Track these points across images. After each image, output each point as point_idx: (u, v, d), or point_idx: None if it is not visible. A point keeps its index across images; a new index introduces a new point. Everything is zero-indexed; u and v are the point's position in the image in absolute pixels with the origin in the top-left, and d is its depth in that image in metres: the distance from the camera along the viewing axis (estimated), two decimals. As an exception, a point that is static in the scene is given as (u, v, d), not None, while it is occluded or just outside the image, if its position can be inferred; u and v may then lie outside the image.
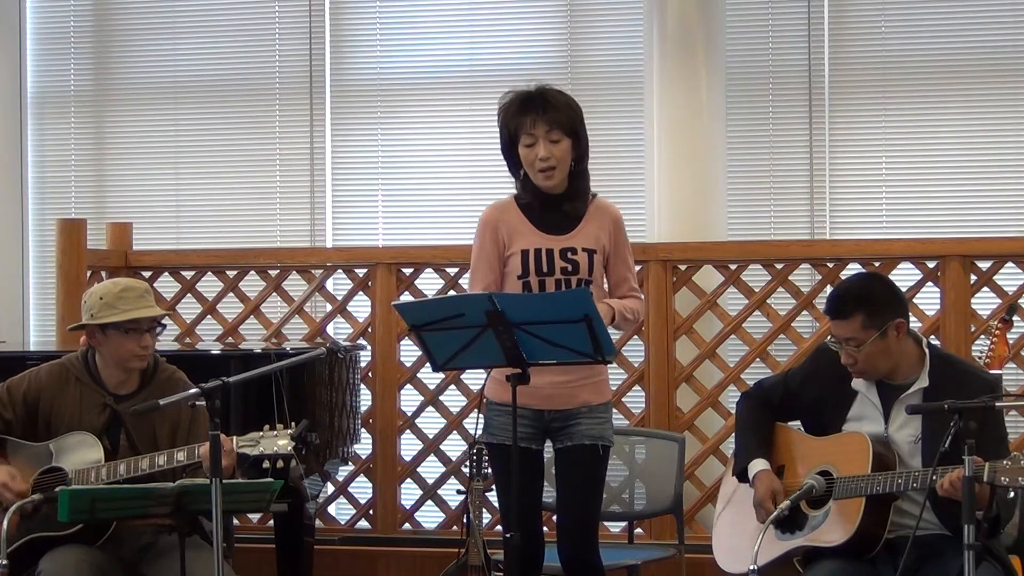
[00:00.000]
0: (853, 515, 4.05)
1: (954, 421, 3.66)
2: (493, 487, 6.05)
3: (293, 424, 4.21)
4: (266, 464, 4.17)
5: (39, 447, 4.47)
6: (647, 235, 6.79)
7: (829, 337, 4.19)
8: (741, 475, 4.34)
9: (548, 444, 4.51)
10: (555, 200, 4.42)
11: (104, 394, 4.50)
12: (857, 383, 4.20)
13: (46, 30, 7.87)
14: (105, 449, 4.41)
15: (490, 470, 4.80)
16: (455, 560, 5.43)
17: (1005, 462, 3.69)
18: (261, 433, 4.20)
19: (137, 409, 4.14)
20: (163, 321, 4.58)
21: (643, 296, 4.54)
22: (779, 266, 6.30)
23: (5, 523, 4.32)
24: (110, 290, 4.46)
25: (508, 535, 4.26)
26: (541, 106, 4.35)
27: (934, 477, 3.87)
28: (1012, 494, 3.71)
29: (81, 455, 4.41)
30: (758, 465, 4.27)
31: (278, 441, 4.16)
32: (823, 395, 4.27)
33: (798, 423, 4.40)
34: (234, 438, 4.21)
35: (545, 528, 4.71)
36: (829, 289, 6.25)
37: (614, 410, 6.12)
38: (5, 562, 4.28)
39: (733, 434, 6.12)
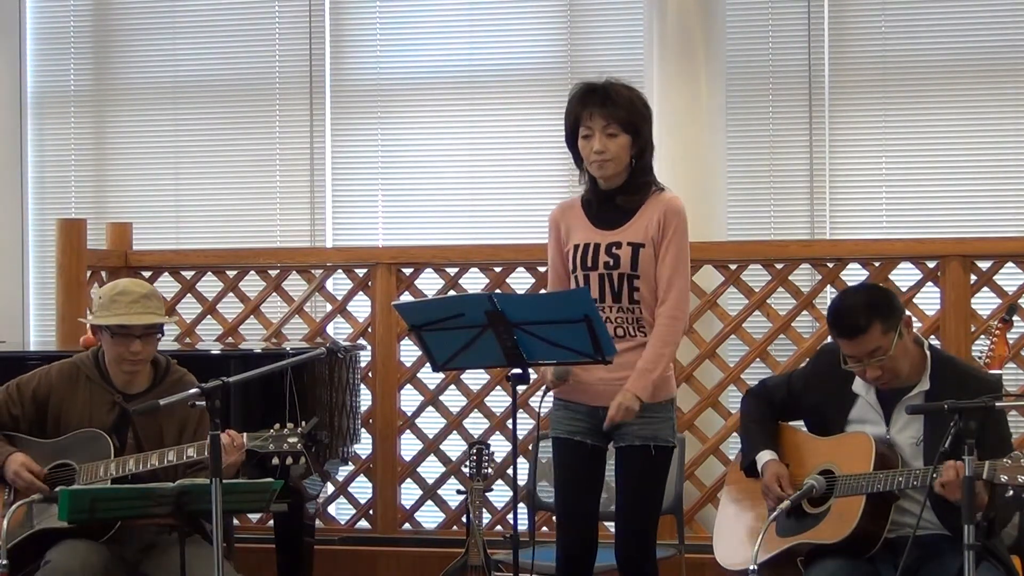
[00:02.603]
0: (852, 513, 4.05)
1: (954, 421, 3.66)
2: (493, 487, 6.10)
3: (303, 423, 4.23)
4: (275, 461, 4.18)
5: (49, 443, 4.49)
6: (647, 235, 6.78)
7: (844, 362, 4.12)
8: (749, 468, 4.33)
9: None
10: (611, 194, 4.37)
11: (114, 392, 4.52)
12: (857, 386, 4.20)
13: (46, 30, 7.87)
14: (113, 446, 4.42)
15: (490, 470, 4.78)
16: (455, 560, 5.44)
17: (1005, 460, 3.69)
18: (272, 431, 4.21)
19: (137, 409, 4.17)
20: (163, 328, 4.56)
21: (678, 314, 4.29)
22: (779, 266, 6.30)
23: (6, 522, 4.32)
24: (108, 291, 4.49)
25: (508, 536, 4.24)
26: (601, 100, 4.31)
27: (934, 476, 3.87)
28: (1011, 492, 3.70)
29: (90, 451, 4.42)
30: (766, 456, 4.27)
31: (288, 439, 4.18)
32: (825, 397, 4.26)
33: (801, 423, 4.41)
34: (244, 435, 4.23)
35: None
36: (829, 289, 6.30)
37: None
38: (5, 562, 4.28)
39: (733, 433, 6.18)
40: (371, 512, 6.61)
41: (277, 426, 4.23)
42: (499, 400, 6.48)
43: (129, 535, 4.41)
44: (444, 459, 6.58)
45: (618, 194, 4.35)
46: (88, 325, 4.61)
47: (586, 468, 4.32)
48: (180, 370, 4.64)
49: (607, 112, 4.29)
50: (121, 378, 4.53)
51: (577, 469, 4.32)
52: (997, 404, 3.78)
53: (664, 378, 4.28)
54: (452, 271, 6.58)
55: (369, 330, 6.61)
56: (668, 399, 4.32)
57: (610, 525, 4.53)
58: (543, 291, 4.43)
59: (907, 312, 4.17)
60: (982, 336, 5.73)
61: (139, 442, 4.46)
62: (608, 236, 4.33)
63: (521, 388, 4.19)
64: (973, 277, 6.09)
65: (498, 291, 6.25)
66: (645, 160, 4.37)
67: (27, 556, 4.38)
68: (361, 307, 6.75)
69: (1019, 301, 5.90)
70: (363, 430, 6.31)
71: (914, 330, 4.16)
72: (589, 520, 4.34)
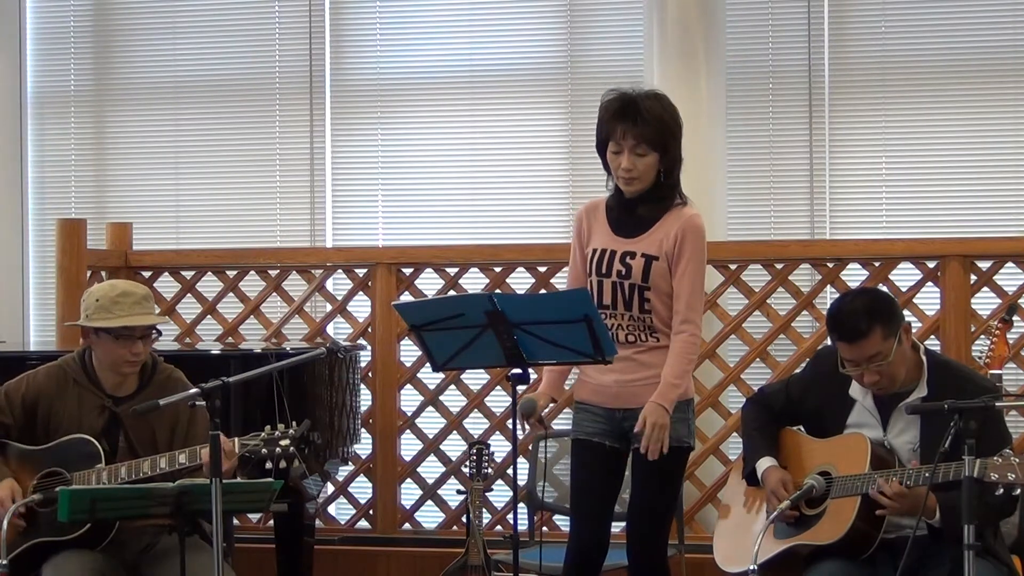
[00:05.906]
0: (847, 514, 4.06)
1: (954, 421, 3.66)
2: (493, 487, 6.11)
3: (295, 424, 4.21)
4: (269, 465, 4.17)
5: (39, 451, 4.46)
6: (647, 235, 6.78)
7: (842, 365, 4.12)
8: (750, 477, 4.34)
9: None
10: (634, 203, 4.36)
11: (103, 396, 4.48)
12: (855, 391, 4.20)
13: (46, 30, 7.87)
14: (104, 451, 4.39)
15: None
16: (455, 560, 5.44)
17: (996, 458, 3.69)
18: (263, 434, 4.20)
19: (137, 409, 4.12)
20: (159, 328, 4.54)
21: (696, 332, 4.26)
22: (779, 266, 6.29)
23: (5, 523, 4.31)
24: (107, 293, 4.44)
25: (507, 535, 4.24)
26: (632, 117, 4.29)
27: (927, 476, 3.88)
28: (1001, 491, 3.70)
29: (82, 458, 4.39)
30: (765, 463, 4.29)
31: (280, 442, 4.16)
32: (823, 403, 4.27)
33: (800, 426, 4.41)
34: (235, 440, 4.20)
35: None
36: (829, 289, 6.30)
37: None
38: (5, 562, 4.27)
39: (734, 434, 6.19)
40: (371, 512, 6.61)
41: (268, 428, 4.21)
42: (499, 400, 6.48)
43: (128, 537, 4.40)
44: (444, 459, 6.58)
45: (640, 203, 4.35)
46: (80, 329, 4.53)
47: (603, 469, 4.34)
48: (167, 367, 4.61)
49: (637, 132, 4.27)
50: (111, 381, 4.49)
51: (594, 470, 4.34)
52: (997, 404, 3.79)
53: None
54: (452, 271, 6.58)
55: (369, 330, 6.61)
56: (686, 400, 4.31)
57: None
58: (543, 291, 4.40)
59: (906, 319, 4.15)
60: (982, 336, 5.73)
61: (131, 445, 4.43)
62: (625, 244, 4.32)
63: (521, 388, 4.18)
64: (973, 277, 6.09)
65: (498, 291, 6.25)
66: (674, 177, 4.38)
67: (23, 568, 4.36)
68: (361, 307, 6.75)
69: (1019, 301, 5.90)
70: (363, 430, 6.32)
71: (911, 335, 4.17)
72: (602, 521, 4.36)
